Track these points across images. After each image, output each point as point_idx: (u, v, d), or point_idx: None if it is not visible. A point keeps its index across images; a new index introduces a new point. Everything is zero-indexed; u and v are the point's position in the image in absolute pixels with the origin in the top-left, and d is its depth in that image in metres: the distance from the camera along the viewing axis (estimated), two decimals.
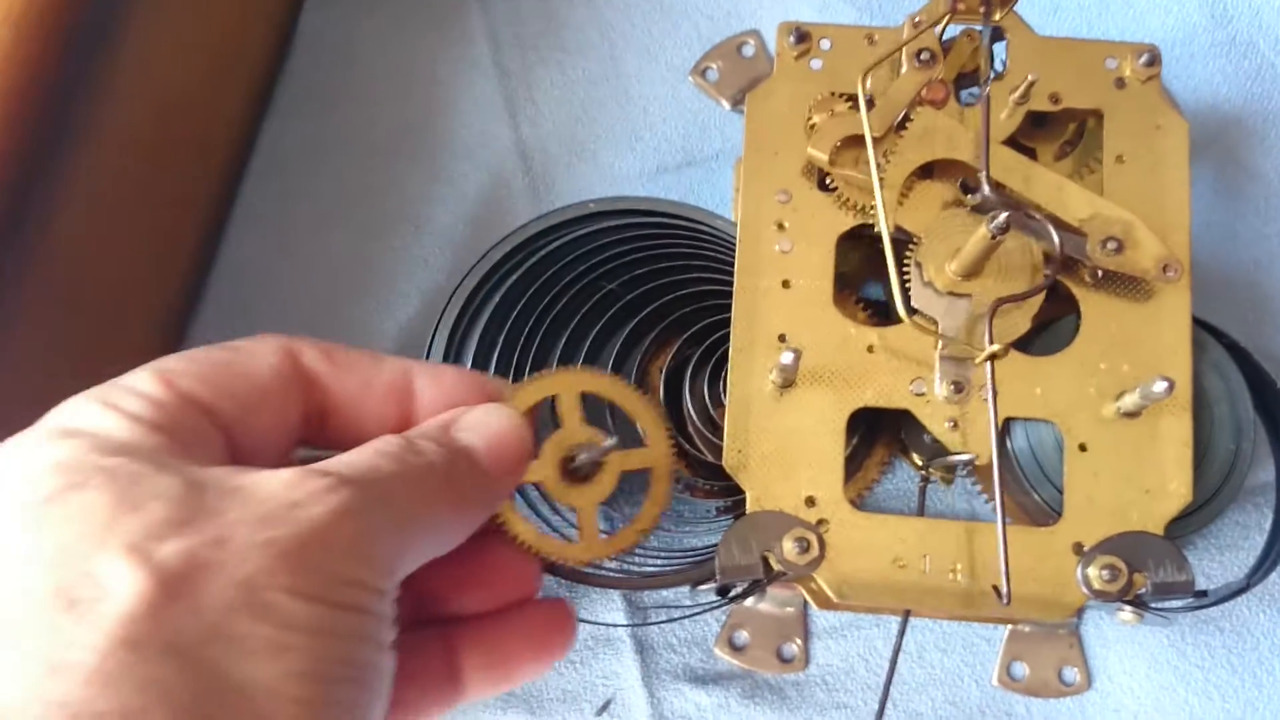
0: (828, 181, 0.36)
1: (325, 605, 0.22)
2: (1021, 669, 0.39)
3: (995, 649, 0.39)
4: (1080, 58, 0.37)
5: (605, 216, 0.38)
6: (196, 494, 0.22)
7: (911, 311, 0.34)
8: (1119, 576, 0.32)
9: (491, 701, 0.39)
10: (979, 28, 0.37)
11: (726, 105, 0.44)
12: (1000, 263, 0.34)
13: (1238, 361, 0.36)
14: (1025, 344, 0.34)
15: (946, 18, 0.35)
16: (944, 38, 0.36)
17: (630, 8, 0.46)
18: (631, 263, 0.38)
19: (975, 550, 0.33)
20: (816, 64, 0.37)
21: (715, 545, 0.32)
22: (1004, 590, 0.31)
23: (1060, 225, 0.34)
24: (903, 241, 0.35)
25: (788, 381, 0.34)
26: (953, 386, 0.34)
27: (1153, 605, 0.34)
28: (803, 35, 0.37)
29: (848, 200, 0.35)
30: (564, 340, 0.39)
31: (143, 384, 0.24)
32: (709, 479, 0.38)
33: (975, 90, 0.37)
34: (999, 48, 0.37)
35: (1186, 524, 0.35)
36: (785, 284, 0.35)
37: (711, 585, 0.35)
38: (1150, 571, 0.32)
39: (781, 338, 0.34)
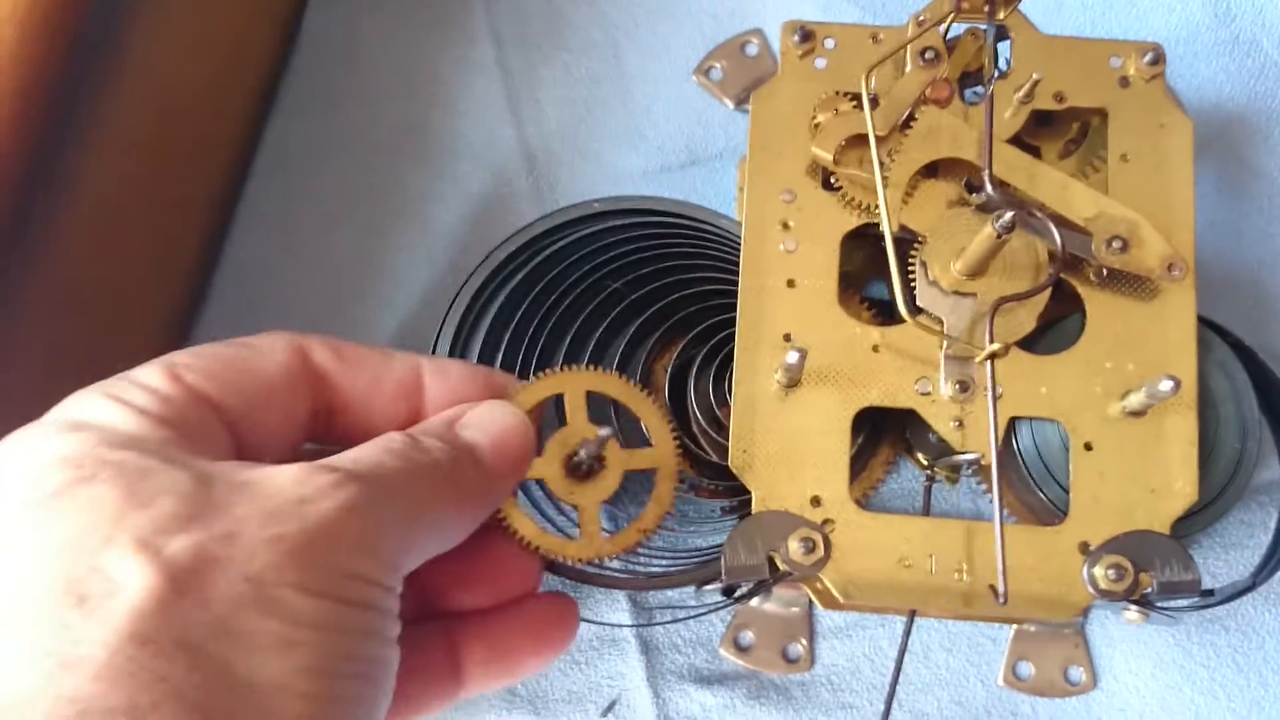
0: (832, 181, 0.36)
1: (332, 601, 0.22)
2: (1027, 669, 0.38)
3: (1001, 649, 0.39)
4: (1085, 56, 0.37)
5: (609, 216, 0.38)
6: (204, 489, 0.22)
7: (916, 311, 0.34)
8: (1125, 576, 0.32)
9: (496, 702, 0.39)
10: (983, 26, 0.37)
11: (730, 104, 0.44)
12: (1005, 262, 0.34)
13: (1243, 360, 0.36)
14: (1030, 343, 0.34)
15: (951, 16, 0.35)
16: (948, 36, 0.36)
17: (633, 7, 0.46)
18: (636, 262, 0.38)
19: (981, 550, 0.33)
20: (821, 63, 0.37)
21: (720, 545, 0.32)
22: (1000, 590, 0.31)
23: (1065, 224, 0.34)
24: (907, 240, 0.35)
25: (793, 381, 0.34)
26: (958, 386, 0.33)
27: (1159, 605, 0.34)
28: (807, 34, 0.37)
29: (852, 199, 0.35)
30: (568, 340, 0.39)
31: (150, 378, 0.24)
32: (714, 479, 0.38)
33: (980, 89, 0.37)
34: (1003, 46, 0.37)
35: (1192, 523, 0.35)
36: (790, 283, 0.35)
37: (717, 585, 0.35)
38: (1156, 571, 0.32)
39: (787, 337, 0.34)
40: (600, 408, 0.33)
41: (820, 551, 0.32)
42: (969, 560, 0.33)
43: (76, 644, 0.20)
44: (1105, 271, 0.34)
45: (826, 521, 0.33)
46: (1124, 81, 0.36)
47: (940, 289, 0.34)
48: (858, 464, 0.38)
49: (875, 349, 0.34)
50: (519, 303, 0.38)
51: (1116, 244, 0.34)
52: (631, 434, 0.35)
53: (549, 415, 0.33)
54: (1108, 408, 0.33)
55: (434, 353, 0.38)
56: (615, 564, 0.37)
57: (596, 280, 0.39)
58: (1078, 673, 0.38)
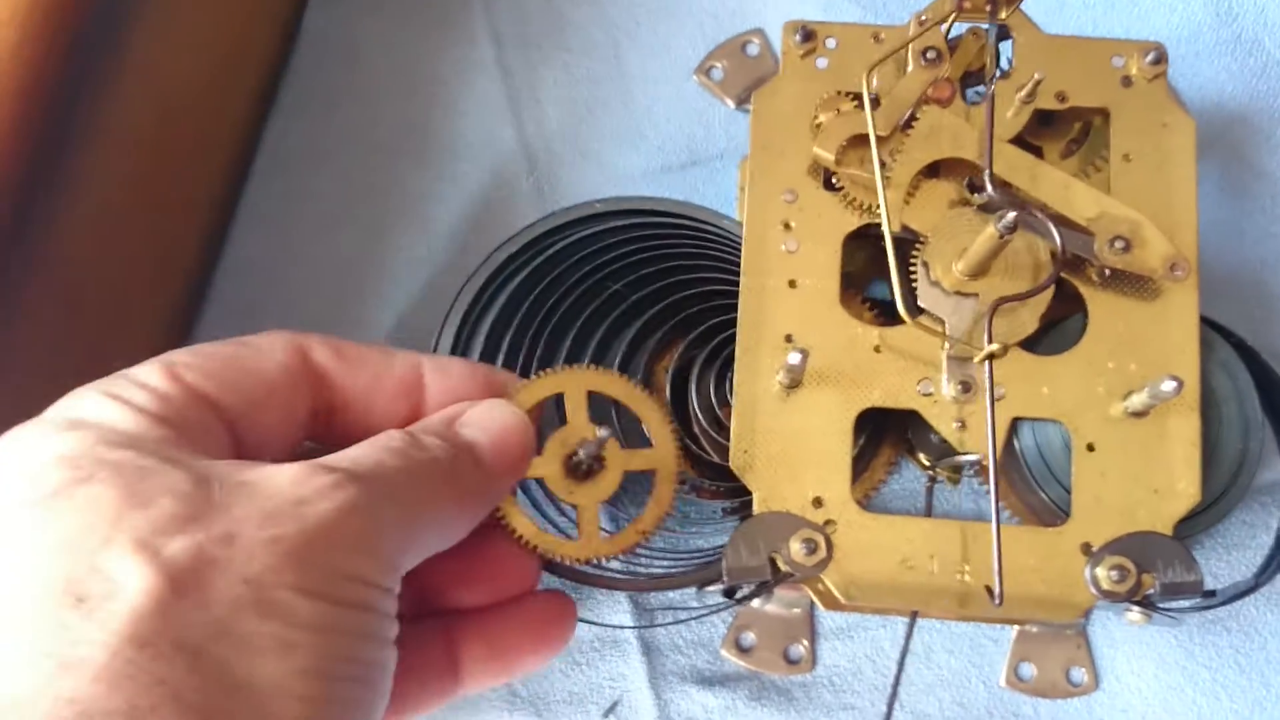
0: (834, 181, 0.36)
1: (330, 602, 0.22)
2: (1029, 670, 0.38)
3: (1003, 650, 0.39)
4: (1087, 56, 0.37)
5: (611, 216, 0.38)
6: (203, 489, 0.22)
7: (918, 311, 0.34)
8: (1128, 577, 0.32)
9: (498, 703, 0.38)
10: (985, 26, 0.37)
11: (731, 104, 0.44)
12: (1007, 262, 0.34)
13: (1245, 360, 0.36)
14: (1033, 343, 0.34)
15: (952, 15, 0.35)
16: (950, 36, 0.36)
17: (634, 7, 0.46)
18: (637, 263, 0.38)
19: (983, 551, 0.32)
20: (822, 63, 0.37)
21: (721, 546, 0.32)
22: (996, 590, 0.31)
23: (1067, 224, 0.34)
24: (909, 241, 0.35)
25: (794, 382, 0.33)
26: (960, 386, 0.33)
27: (1161, 605, 0.33)
28: (808, 34, 0.37)
29: (854, 200, 0.35)
30: (569, 340, 0.39)
31: (148, 376, 0.24)
32: (715, 480, 0.38)
33: (982, 89, 0.37)
34: (1005, 46, 0.37)
35: (1194, 524, 0.34)
36: (791, 284, 0.35)
37: (718, 587, 0.35)
38: (1159, 572, 0.32)
39: (788, 338, 0.34)
40: (601, 408, 0.33)
41: (822, 552, 0.32)
42: (971, 561, 0.32)
43: (75, 645, 0.19)
44: (1107, 271, 0.34)
45: (828, 522, 0.33)
46: (1126, 81, 0.36)
47: (942, 289, 0.34)
48: (859, 465, 0.38)
49: (877, 350, 0.34)
50: (520, 303, 0.38)
51: (1119, 244, 0.34)
52: (632, 434, 0.35)
53: (549, 415, 0.33)
54: (1110, 408, 0.33)
55: (435, 353, 0.38)
56: (616, 565, 0.37)
57: (598, 281, 0.39)
58: (1080, 674, 0.38)
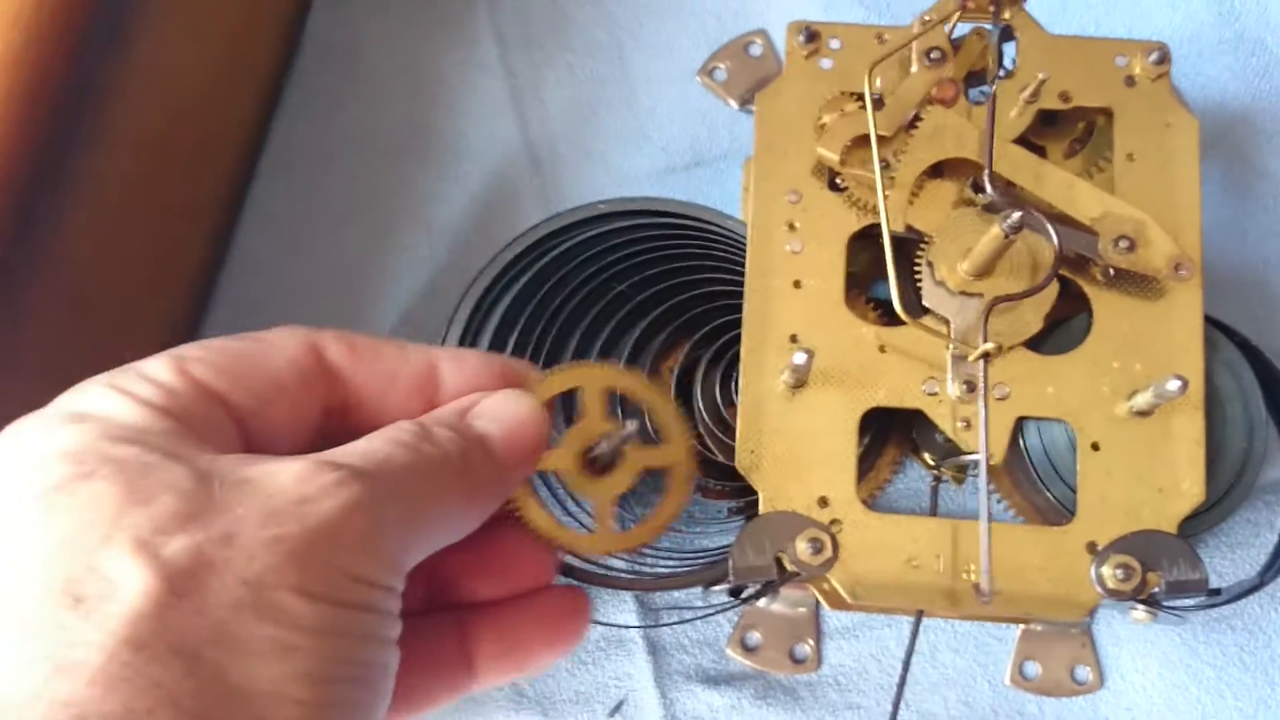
0: (838, 181, 0.36)
1: (332, 604, 0.21)
2: (1034, 668, 0.38)
3: (1008, 649, 0.39)
4: (1090, 56, 0.37)
5: (615, 217, 0.38)
6: (205, 486, 0.21)
7: (920, 312, 0.34)
8: (1133, 575, 0.32)
9: (504, 703, 0.39)
10: (988, 26, 0.37)
11: (734, 105, 0.44)
12: (1012, 262, 0.34)
13: (1250, 360, 0.36)
14: (1037, 343, 0.34)
15: (956, 15, 0.35)
16: (953, 36, 0.36)
17: (637, 8, 0.46)
18: (642, 263, 0.38)
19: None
20: (826, 63, 0.37)
21: (727, 546, 0.32)
22: (985, 588, 0.31)
23: (1072, 224, 0.34)
24: (913, 241, 0.35)
25: (799, 382, 0.34)
26: (965, 386, 0.33)
27: (1166, 604, 0.34)
28: (812, 34, 0.37)
29: (858, 200, 0.35)
30: (575, 341, 0.39)
31: (156, 370, 0.24)
32: (721, 479, 0.38)
33: (986, 89, 0.37)
34: (1008, 46, 0.37)
35: (1199, 522, 0.35)
36: (796, 284, 0.35)
37: (724, 586, 0.35)
38: (1164, 570, 0.32)
39: (793, 338, 0.34)
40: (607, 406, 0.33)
41: (828, 552, 0.32)
42: (976, 560, 0.32)
43: (72, 647, 0.19)
44: (1112, 271, 0.34)
45: (834, 522, 0.33)
46: (1129, 81, 0.36)
47: (947, 289, 0.34)
48: (864, 464, 0.38)
49: (882, 349, 0.34)
50: (525, 304, 0.38)
51: (1123, 244, 0.34)
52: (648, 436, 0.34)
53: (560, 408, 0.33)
54: (1115, 407, 0.33)
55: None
56: (622, 565, 0.37)
57: (603, 282, 0.39)
58: (1084, 672, 0.38)
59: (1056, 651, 0.38)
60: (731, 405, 0.37)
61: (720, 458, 0.38)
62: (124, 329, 0.38)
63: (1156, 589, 0.32)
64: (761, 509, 0.33)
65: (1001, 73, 0.36)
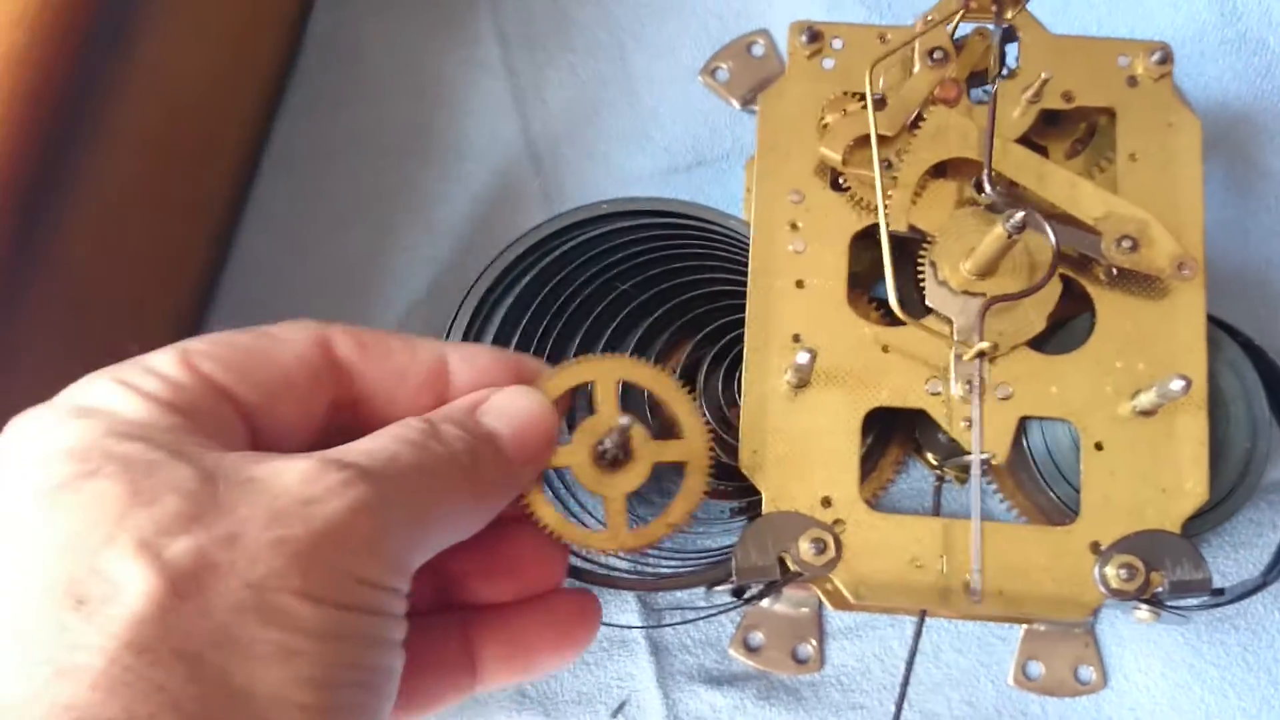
0: (840, 181, 0.36)
1: (336, 608, 0.21)
2: (1037, 668, 0.38)
3: (1011, 648, 0.39)
4: (1093, 56, 0.37)
5: (618, 217, 0.38)
6: (209, 486, 0.21)
7: (923, 311, 0.34)
8: (1136, 575, 0.32)
9: (507, 703, 0.38)
10: (991, 26, 0.37)
11: (736, 105, 0.44)
12: (1015, 262, 0.34)
13: (1253, 359, 0.36)
14: (1041, 342, 0.34)
15: (958, 15, 0.35)
16: (956, 36, 0.36)
17: (639, 8, 0.46)
18: (645, 263, 0.38)
19: (992, 550, 0.33)
20: (829, 63, 0.37)
21: (729, 546, 0.32)
22: (975, 586, 0.31)
23: (1075, 223, 0.34)
24: (916, 241, 0.35)
25: (802, 382, 0.34)
26: (967, 386, 0.33)
27: (1169, 604, 0.34)
28: (815, 34, 0.37)
29: (861, 200, 0.35)
30: (578, 341, 0.39)
31: (163, 364, 0.24)
32: (723, 480, 0.38)
33: (989, 88, 0.37)
34: (1011, 47, 0.37)
35: (1202, 522, 0.34)
36: (799, 284, 0.35)
37: (727, 586, 0.35)
38: (1168, 570, 0.32)
39: (796, 338, 0.34)
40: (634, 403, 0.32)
41: (831, 552, 0.32)
42: (980, 560, 0.32)
43: (73, 649, 0.19)
44: (1115, 271, 0.34)
45: (837, 522, 0.33)
46: (1132, 81, 0.36)
47: (950, 289, 0.34)
48: (868, 464, 0.38)
49: (885, 349, 0.34)
50: (528, 304, 0.38)
51: (1126, 243, 0.34)
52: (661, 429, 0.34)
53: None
54: (1118, 407, 0.33)
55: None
56: (624, 565, 0.37)
57: (605, 281, 0.39)
58: (1088, 672, 0.38)
59: (1060, 651, 0.38)
60: (734, 405, 0.37)
61: (723, 457, 0.38)
62: (126, 329, 0.38)
63: (1160, 589, 0.32)
64: (764, 509, 0.33)
65: (1004, 72, 0.36)
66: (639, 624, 0.39)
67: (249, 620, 0.20)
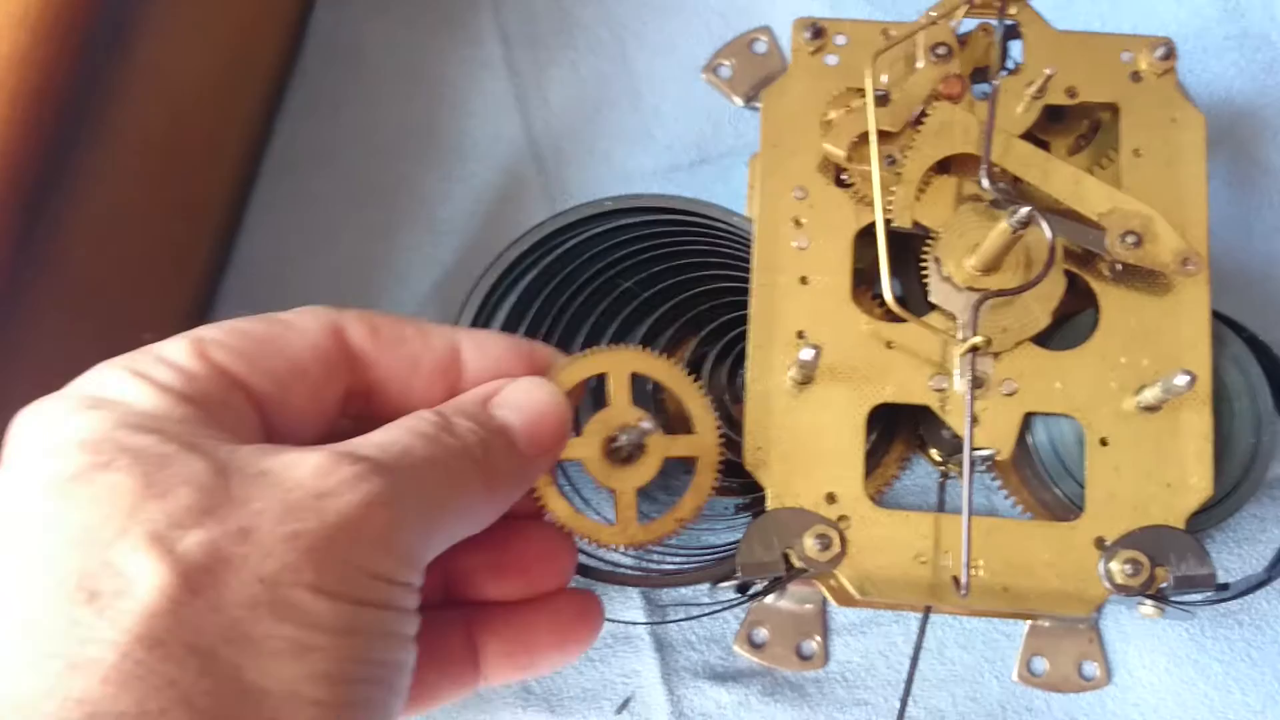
0: (844, 177, 0.36)
1: (350, 603, 0.21)
2: (1042, 664, 0.38)
3: (1015, 644, 0.39)
4: (1096, 51, 0.37)
5: (621, 214, 0.38)
6: (222, 479, 0.21)
7: (928, 308, 0.34)
8: (1141, 571, 0.32)
9: (511, 699, 0.39)
10: (994, 21, 0.37)
11: (739, 102, 0.44)
12: (1019, 257, 0.34)
13: (1257, 355, 0.36)
14: (1045, 338, 0.34)
15: (961, 11, 0.35)
16: (959, 31, 0.36)
17: (641, 6, 0.46)
18: (648, 260, 0.38)
19: (996, 546, 0.33)
20: (832, 60, 0.37)
21: (734, 543, 0.32)
22: (963, 581, 0.31)
23: (1079, 219, 0.34)
24: (920, 236, 0.35)
25: (806, 378, 0.33)
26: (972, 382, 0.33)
27: (1174, 599, 0.34)
28: (818, 31, 0.37)
29: (865, 196, 0.35)
30: (581, 338, 0.39)
31: (175, 353, 0.23)
32: (727, 476, 0.38)
33: (992, 84, 0.37)
34: (1014, 42, 0.37)
35: (1207, 518, 0.34)
36: (803, 280, 0.35)
37: (732, 583, 0.35)
38: (1172, 565, 0.32)
39: (800, 334, 0.34)
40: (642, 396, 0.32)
41: (836, 548, 0.32)
42: (985, 556, 0.32)
43: (85, 644, 0.19)
44: (1119, 266, 0.34)
45: (841, 518, 0.33)
46: (1135, 76, 0.36)
47: (953, 285, 0.34)
48: (872, 460, 0.38)
49: (889, 345, 0.34)
50: (531, 301, 0.38)
51: (1130, 239, 0.34)
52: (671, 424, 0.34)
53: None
54: (1123, 403, 0.33)
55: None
56: (629, 561, 0.37)
57: (609, 279, 0.39)
58: (1092, 668, 0.38)
59: (1064, 647, 0.38)
60: (738, 402, 0.37)
61: (727, 454, 0.38)
62: (127, 330, 0.38)
63: (1164, 584, 0.32)
64: (769, 505, 0.33)
65: (1008, 68, 0.36)
66: (644, 620, 0.39)
67: (262, 615, 0.20)
